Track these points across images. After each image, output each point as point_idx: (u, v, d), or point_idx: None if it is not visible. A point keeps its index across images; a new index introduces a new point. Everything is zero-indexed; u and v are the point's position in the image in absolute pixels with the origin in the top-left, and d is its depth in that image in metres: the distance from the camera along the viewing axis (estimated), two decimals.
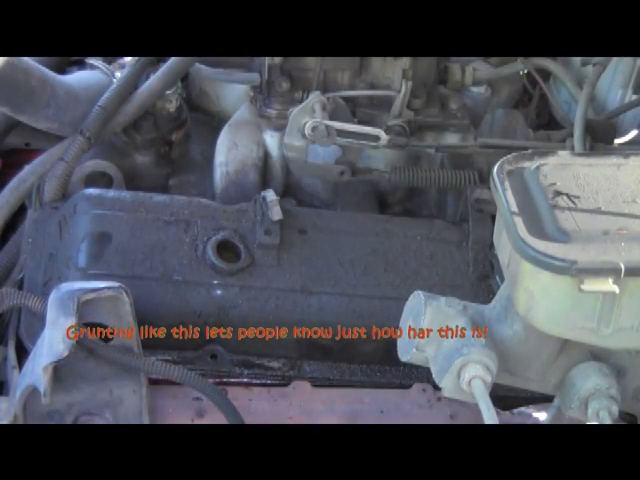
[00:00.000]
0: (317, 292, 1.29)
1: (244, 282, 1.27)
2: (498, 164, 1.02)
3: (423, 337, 1.02)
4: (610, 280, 0.90)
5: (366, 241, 1.34)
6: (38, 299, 1.18)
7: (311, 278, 1.29)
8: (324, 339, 1.29)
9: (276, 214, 1.30)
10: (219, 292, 1.26)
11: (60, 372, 1.15)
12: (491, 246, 1.29)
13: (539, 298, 0.94)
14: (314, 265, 1.30)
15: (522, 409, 1.30)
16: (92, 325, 1.17)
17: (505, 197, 0.98)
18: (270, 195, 1.32)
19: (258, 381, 1.30)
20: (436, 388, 1.05)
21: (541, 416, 1.28)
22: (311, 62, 1.45)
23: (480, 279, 1.33)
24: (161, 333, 1.23)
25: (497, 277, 1.30)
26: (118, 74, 1.45)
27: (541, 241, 0.92)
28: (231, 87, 1.57)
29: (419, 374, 1.27)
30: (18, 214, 1.37)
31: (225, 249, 1.28)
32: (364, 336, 1.29)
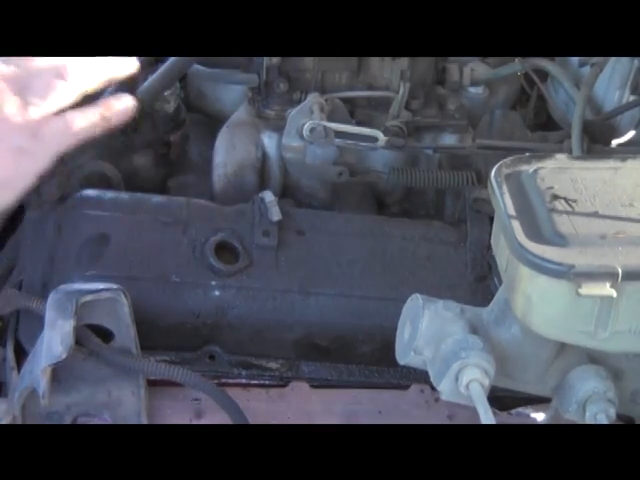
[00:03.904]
0: (315, 293, 1.29)
1: (242, 283, 1.28)
2: (496, 167, 1.02)
3: (421, 340, 1.03)
4: (607, 284, 0.91)
5: (364, 242, 1.34)
6: (42, 301, 1.18)
7: (309, 279, 1.29)
8: (322, 340, 1.30)
9: (275, 214, 1.30)
10: (217, 293, 1.27)
11: (59, 373, 1.15)
12: (489, 247, 1.29)
13: (537, 302, 0.94)
14: (312, 266, 1.30)
15: (520, 410, 1.30)
16: (91, 327, 1.18)
17: (503, 200, 0.98)
18: (269, 196, 1.32)
19: (256, 382, 1.30)
20: (434, 389, 1.05)
21: (539, 417, 1.29)
22: (309, 63, 1.45)
23: (478, 280, 1.33)
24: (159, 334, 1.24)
25: (495, 278, 1.30)
26: None
27: (538, 245, 0.93)
28: (229, 88, 1.57)
29: (417, 375, 1.27)
30: (18, 215, 1.37)
31: (223, 250, 1.28)
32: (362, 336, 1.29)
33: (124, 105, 1.22)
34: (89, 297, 1.15)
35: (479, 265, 1.34)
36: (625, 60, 1.54)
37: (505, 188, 0.99)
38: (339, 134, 1.39)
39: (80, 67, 1.18)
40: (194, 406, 1.23)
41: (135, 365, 1.17)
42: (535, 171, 1.01)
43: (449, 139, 1.50)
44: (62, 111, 1.17)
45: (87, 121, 1.18)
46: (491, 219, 1.04)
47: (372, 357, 1.31)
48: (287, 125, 1.41)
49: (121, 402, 1.20)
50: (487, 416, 0.95)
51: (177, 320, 1.26)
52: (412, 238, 1.36)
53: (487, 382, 0.99)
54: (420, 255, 1.35)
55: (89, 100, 1.21)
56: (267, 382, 1.30)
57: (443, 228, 1.40)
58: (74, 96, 1.17)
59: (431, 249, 1.35)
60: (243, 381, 1.29)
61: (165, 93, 1.47)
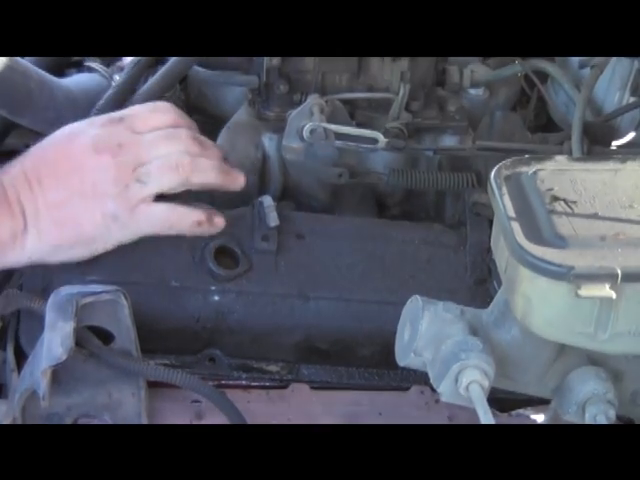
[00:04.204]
0: (314, 297, 1.29)
1: (241, 288, 1.27)
2: (495, 169, 1.02)
3: (421, 342, 1.03)
4: (607, 286, 0.91)
5: (363, 245, 1.34)
6: (43, 302, 1.18)
7: (308, 283, 1.29)
8: (322, 343, 1.29)
9: (272, 220, 1.29)
10: (217, 298, 1.26)
11: (59, 375, 1.15)
12: (488, 250, 1.28)
13: (536, 303, 0.94)
14: (311, 270, 1.30)
15: (520, 411, 1.30)
16: (91, 328, 1.18)
17: (502, 202, 0.98)
18: (267, 201, 1.32)
19: (257, 383, 1.30)
20: (434, 390, 1.05)
21: (539, 418, 1.29)
22: (309, 64, 1.45)
23: (477, 283, 1.32)
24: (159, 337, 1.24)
25: (494, 282, 1.29)
26: (117, 77, 1.45)
27: (538, 246, 0.93)
28: (230, 89, 1.57)
29: (417, 378, 1.27)
30: None
31: (223, 255, 1.28)
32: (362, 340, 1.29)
33: (221, 223, 1.28)
34: (89, 299, 1.15)
35: (479, 268, 1.33)
36: (625, 61, 1.54)
37: (505, 190, 0.99)
38: (339, 136, 1.39)
39: (199, 168, 1.26)
40: (194, 408, 1.23)
41: (134, 367, 1.17)
42: (535, 173, 1.01)
43: (449, 140, 1.50)
44: (165, 197, 1.25)
45: (186, 221, 1.26)
46: (490, 222, 1.04)
47: (372, 360, 1.31)
48: (287, 126, 1.41)
49: (121, 403, 1.20)
50: (487, 417, 0.95)
51: (177, 324, 1.26)
52: (412, 241, 1.35)
53: (487, 383, 0.99)
54: (420, 258, 1.34)
55: None
56: (267, 384, 1.30)
57: (443, 231, 1.39)
58: (179, 189, 1.25)
59: (431, 252, 1.35)
60: (243, 383, 1.29)
61: (165, 95, 1.47)
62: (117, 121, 1.27)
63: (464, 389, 0.98)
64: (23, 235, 1.20)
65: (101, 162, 1.22)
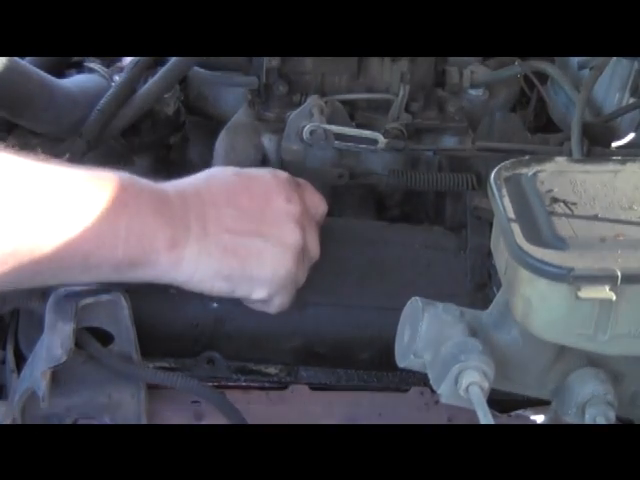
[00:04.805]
0: (313, 303, 1.28)
1: None
2: (495, 170, 1.02)
3: (421, 343, 1.03)
4: (607, 287, 0.90)
5: (363, 250, 1.33)
6: (39, 302, 1.18)
7: (307, 289, 1.27)
8: (320, 347, 1.29)
9: None
10: (215, 304, 1.26)
11: (59, 376, 1.15)
12: (489, 254, 1.27)
13: (536, 305, 0.94)
14: (310, 275, 1.28)
15: (520, 412, 1.30)
16: (91, 329, 1.18)
17: (502, 203, 0.98)
18: None
19: (256, 384, 1.30)
20: (434, 391, 1.05)
21: (539, 419, 1.29)
22: (309, 65, 1.45)
23: (477, 288, 1.31)
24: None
25: (494, 287, 1.28)
26: (117, 78, 1.45)
27: (538, 248, 0.92)
28: (229, 90, 1.57)
29: (416, 380, 1.27)
30: None
31: None
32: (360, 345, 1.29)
33: None
34: (89, 300, 1.15)
35: (479, 273, 1.31)
36: (625, 62, 1.55)
37: (504, 191, 0.99)
38: (339, 136, 1.39)
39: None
40: (194, 408, 1.23)
41: (134, 371, 1.17)
42: (535, 174, 1.01)
43: (449, 141, 1.51)
44: None
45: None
46: (491, 226, 1.04)
47: (371, 363, 1.30)
48: (287, 128, 1.41)
49: (121, 405, 1.20)
50: (486, 418, 0.95)
51: (176, 331, 1.25)
52: (412, 245, 1.34)
53: (486, 385, 0.98)
54: (420, 263, 1.33)
55: None
56: (267, 385, 1.30)
57: (443, 234, 1.38)
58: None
59: (431, 256, 1.33)
60: (243, 384, 1.29)
61: (165, 95, 1.47)
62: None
63: (464, 390, 0.98)
64: (183, 247, 1.11)
65: (289, 210, 1.20)
